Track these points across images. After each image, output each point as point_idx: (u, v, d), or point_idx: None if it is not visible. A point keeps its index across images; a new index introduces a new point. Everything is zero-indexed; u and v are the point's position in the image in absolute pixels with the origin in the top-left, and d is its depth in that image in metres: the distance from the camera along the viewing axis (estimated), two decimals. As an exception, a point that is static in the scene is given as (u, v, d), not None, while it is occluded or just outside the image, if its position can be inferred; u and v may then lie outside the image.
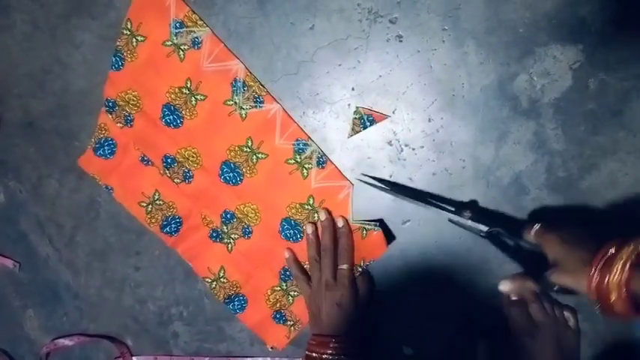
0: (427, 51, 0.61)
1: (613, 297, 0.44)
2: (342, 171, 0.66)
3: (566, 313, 0.63)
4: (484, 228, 0.59)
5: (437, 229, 0.65)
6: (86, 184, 0.73)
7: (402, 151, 0.64)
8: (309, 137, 0.65)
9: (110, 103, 0.69)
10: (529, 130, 0.61)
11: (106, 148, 0.71)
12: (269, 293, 0.71)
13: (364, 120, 0.63)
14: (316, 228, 0.66)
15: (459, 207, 0.61)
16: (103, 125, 0.71)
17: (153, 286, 0.75)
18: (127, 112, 0.69)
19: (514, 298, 0.63)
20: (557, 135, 0.60)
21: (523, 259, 0.57)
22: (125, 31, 0.66)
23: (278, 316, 0.71)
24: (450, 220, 0.61)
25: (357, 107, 0.63)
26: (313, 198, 0.66)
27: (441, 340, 0.68)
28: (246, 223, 0.69)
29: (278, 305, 0.71)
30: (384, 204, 0.65)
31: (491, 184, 0.62)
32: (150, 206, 0.72)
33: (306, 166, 0.66)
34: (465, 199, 0.63)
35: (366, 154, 0.65)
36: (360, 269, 0.66)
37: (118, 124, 0.70)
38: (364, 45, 0.62)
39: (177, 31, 0.65)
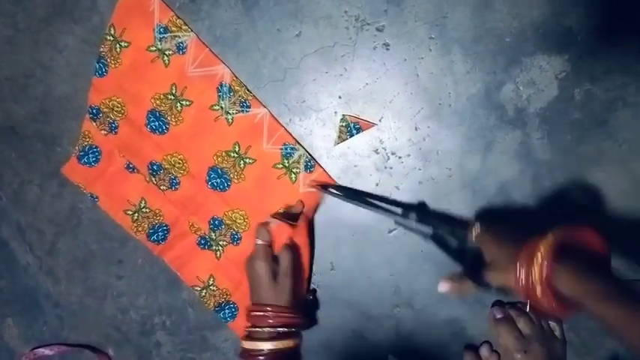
0: (414, 59, 0.60)
1: (539, 294, 0.42)
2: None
3: (552, 323, 0.63)
4: (429, 230, 0.58)
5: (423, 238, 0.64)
6: (68, 190, 0.72)
7: (388, 159, 0.63)
8: (297, 141, 0.64)
9: (94, 110, 0.68)
10: (515, 139, 0.60)
11: (90, 155, 0.70)
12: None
13: (351, 128, 0.63)
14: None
15: (406, 209, 0.61)
16: (86, 132, 0.69)
17: (135, 295, 0.73)
18: (111, 118, 0.68)
19: (499, 316, 0.62)
20: (543, 144, 0.60)
21: (466, 259, 0.56)
22: (108, 37, 0.65)
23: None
24: (396, 222, 0.61)
25: (343, 115, 0.63)
26: (302, 202, 0.65)
27: (429, 351, 0.67)
28: (234, 230, 0.68)
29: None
30: (371, 213, 0.65)
31: (477, 193, 0.62)
32: (136, 214, 0.71)
33: (294, 170, 0.65)
34: (452, 207, 0.63)
35: (352, 162, 0.64)
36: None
37: (103, 132, 0.69)
38: (351, 52, 0.61)
39: (161, 36, 0.64)
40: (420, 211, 0.60)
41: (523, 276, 0.44)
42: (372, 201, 0.64)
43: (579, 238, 0.45)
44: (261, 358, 0.57)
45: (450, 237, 0.58)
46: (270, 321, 0.58)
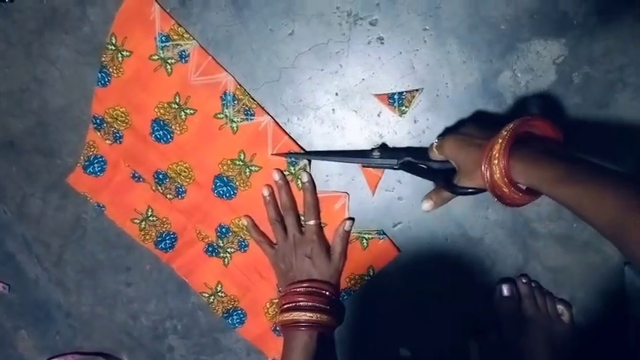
0: (409, 52, 0.60)
1: (505, 190, 0.45)
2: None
3: (560, 307, 0.63)
4: (395, 161, 0.60)
5: (428, 231, 0.65)
6: (71, 201, 0.72)
7: (389, 153, 0.63)
8: (302, 148, 0.64)
9: (98, 120, 0.68)
10: (515, 126, 0.60)
11: (95, 165, 0.70)
12: (268, 306, 0.70)
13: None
14: (273, 190, 0.66)
15: (368, 151, 0.62)
16: (91, 142, 0.69)
17: (145, 301, 0.74)
18: (115, 128, 0.67)
19: (506, 293, 0.63)
20: (544, 131, 0.60)
21: (438, 177, 0.58)
22: (110, 46, 0.64)
23: (278, 328, 0.71)
24: (363, 165, 0.62)
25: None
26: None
27: (436, 340, 0.68)
28: (241, 237, 0.69)
29: (277, 317, 0.70)
30: (374, 207, 0.65)
31: (480, 182, 0.62)
32: (143, 223, 0.71)
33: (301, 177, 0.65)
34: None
35: (353, 159, 0.64)
36: (367, 277, 0.67)
37: (107, 141, 0.68)
38: (345, 48, 0.61)
39: (163, 44, 0.63)
40: (381, 150, 0.61)
41: (488, 177, 0.46)
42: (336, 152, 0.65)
43: (534, 129, 0.47)
44: (302, 327, 0.60)
45: (416, 162, 0.59)
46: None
